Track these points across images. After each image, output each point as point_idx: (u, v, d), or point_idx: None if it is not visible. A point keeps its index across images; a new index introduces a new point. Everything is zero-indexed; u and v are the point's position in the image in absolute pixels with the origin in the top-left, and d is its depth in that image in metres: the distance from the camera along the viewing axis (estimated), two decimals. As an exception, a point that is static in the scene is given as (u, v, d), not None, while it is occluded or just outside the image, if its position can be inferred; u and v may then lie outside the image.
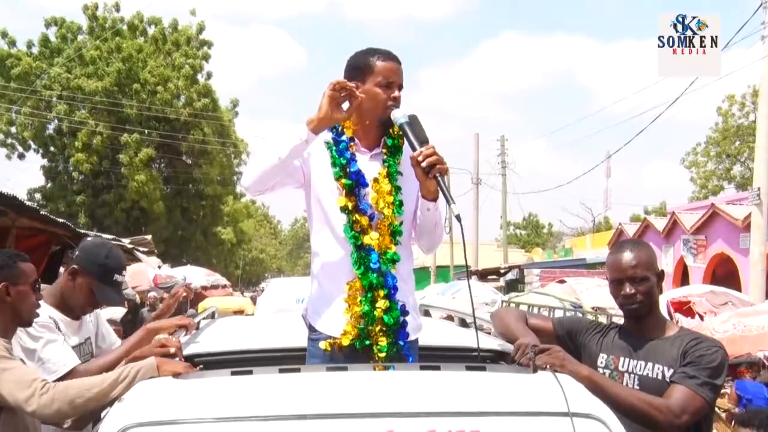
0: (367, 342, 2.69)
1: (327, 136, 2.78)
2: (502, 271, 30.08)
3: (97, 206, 35.92)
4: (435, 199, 2.67)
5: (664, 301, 12.42)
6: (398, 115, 2.69)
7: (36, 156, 37.57)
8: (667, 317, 10.41)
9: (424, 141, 2.63)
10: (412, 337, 2.79)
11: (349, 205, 2.71)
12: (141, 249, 13.80)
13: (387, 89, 2.73)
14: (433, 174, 2.59)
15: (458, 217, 2.60)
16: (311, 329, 2.81)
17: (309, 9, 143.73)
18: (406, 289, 2.81)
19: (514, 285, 26.71)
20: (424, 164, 2.58)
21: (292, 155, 2.68)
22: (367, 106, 2.73)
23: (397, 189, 2.77)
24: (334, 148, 2.77)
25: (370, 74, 2.73)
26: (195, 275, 25.63)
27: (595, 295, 13.73)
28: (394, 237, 2.74)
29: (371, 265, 2.68)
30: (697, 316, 11.22)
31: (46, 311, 3.16)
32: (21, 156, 36.87)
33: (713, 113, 37.55)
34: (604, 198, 52.44)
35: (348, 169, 2.74)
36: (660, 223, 21.77)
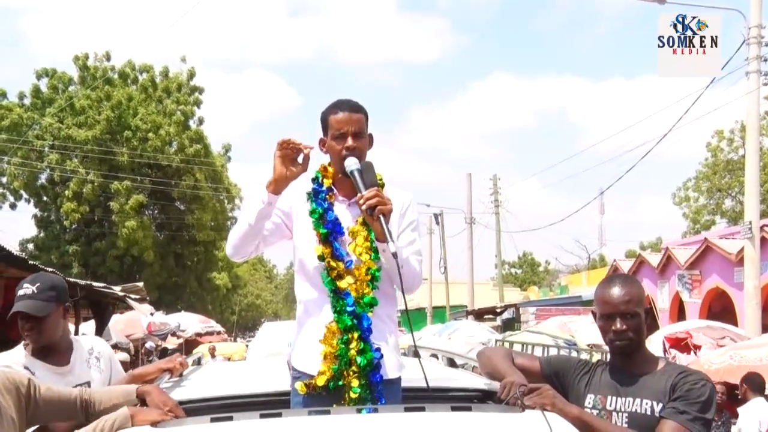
0: (341, 383, 2.74)
1: (308, 186, 2.92)
2: (498, 310, 29.97)
3: (90, 255, 35.80)
4: (385, 241, 2.69)
5: (660, 337, 12.35)
6: (350, 163, 2.80)
7: (28, 206, 37.57)
8: (662, 353, 10.33)
9: (371, 185, 2.74)
10: (392, 376, 2.83)
11: (326, 252, 2.81)
12: (133, 296, 13.72)
13: (341, 140, 2.84)
14: (375, 215, 2.66)
15: (395, 255, 2.68)
16: (294, 369, 2.87)
17: (300, 54, 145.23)
18: (385, 330, 2.87)
19: (511, 324, 26.57)
20: (364, 207, 2.67)
21: (260, 219, 2.82)
22: (331, 158, 2.90)
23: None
24: (313, 198, 2.90)
25: (328, 128, 2.90)
26: (189, 322, 25.54)
27: (590, 333, 13.63)
28: (371, 282, 2.81)
29: (347, 308, 2.76)
30: (692, 352, 11.14)
31: (25, 362, 3.16)
32: (12, 206, 36.82)
33: (703, 148, 37.81)
34: (599, 235, 52.66)
35: (325, 218, 2.85)
36: (655, 259, 21.71)
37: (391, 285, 2.92)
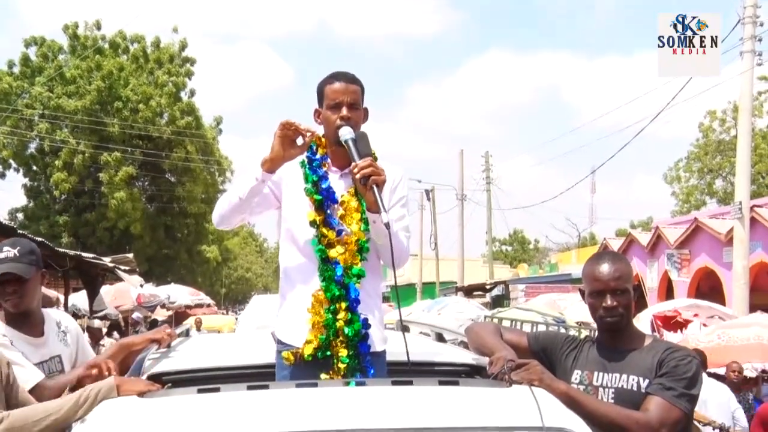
0: (328, 353, 2.73)
1: (301, 156, 2.89)
2: (487, 287, 30.09)
3: (79, 226, 35.66)
4: (377, 211, 2.68)
5: (648, 316, 12.42)
6: (344, 133, 2.78)
7: (18, 175, 37.32)
8: (649, 331, 10.44)
9: (365, 155, 2.72)
10: (378, 349, 2.84)
11: (318, 219, 2.80)
12: (122, 267, 13.71)
13: (336, 110, 2.83)
14: (369, 185, 2.65)
15: (387, 225, 2.64)
16: (279, 342, 2.86)
17: (298, 27, 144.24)
18: (371, 303, 2.87)
19: (500, 301, 26.70)
20: (358, 176, 2.65)
21: (251, 195, 2.83)
22: (325, 129, 2.89)
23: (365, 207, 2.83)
24: (307, 165, 2.88)
25: (324, 99, 2.90)
26: (179, 294, 25.54)
27: (579, 310, 13.69)
28: (360, 253, 2.81)
29: (335, 277, 2.75)
30: (679, 331, 11.22)
31: (2, 330, 3.13)
32: (1, 175, 36.55)
33: (695, 129, 37.83)
34: (589, 213, 52.84)
35: (319, 186, 2.84)
36: (644, 238, 21.80)
37: (377, 259, 2.92)
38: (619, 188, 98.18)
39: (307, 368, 2.70)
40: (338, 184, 2.88)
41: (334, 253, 2.77)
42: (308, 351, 2.73)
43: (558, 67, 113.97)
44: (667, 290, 20.46)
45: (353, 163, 2.69)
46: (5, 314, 3.25)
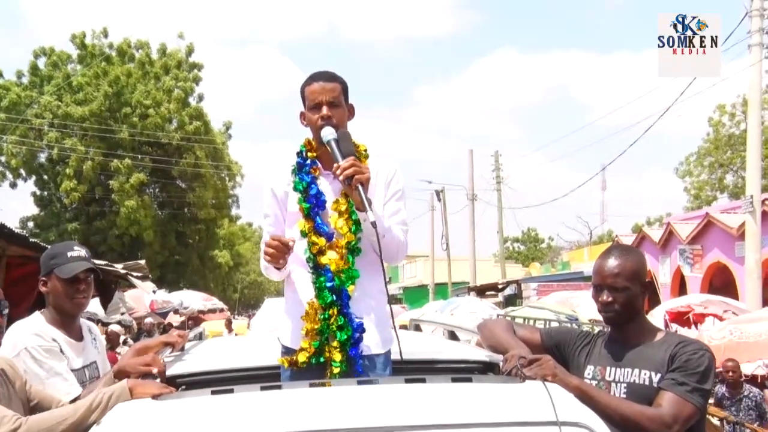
0: (322, 359, 2.74)
1: (293, 160, 2.91)
2: (500, 286, 30.03)
3: (90, 233, 35.77)
4: (364, 210, 2.66)
5: (662, 312, 12.37)
6: (326, 133, 2.78)
7: (28, 184, 37.53)
8: (662, 327, 10.40)
9: (348, 154, 2.71)
10: (380, 350, 2.83)
11: (307, 227, 2.80)
12: (135, 274, 13.71)
13: (316, 110, 2.83)
14: (354, 185, 2.64)
15: (373, 224, 2.64)
16: (282, 346, 2.90)
17: (308, 31, 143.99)
18: (369, 303, 2.84)
19: (513, 300, 26.65)
20: (341, 177, 2.65)
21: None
22: (311, 131, 2.88)
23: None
24: (297, 171, 2.88)
25: (305, 100, 2.90)
26: (192, 300, 25.56)
27: (592, 308, 13.65)
28: (351, 254, 2.79)
29: (326, 283, 2.74)
30: (693, 327, 11.18)
31: (50, 333, 3.11)
32: (13, 185, 36.75)
33: (705, 123, 37.66)
34: (601, 211, 52.72)
35: (308, 193, 2.82)
36: (656, 234, 21.75)
37: (377, 257, 2.87)
38: (631, 185, 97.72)
39: (305, 373, 2.71)
40: (330, 187, 2.86)
41: (324, 259, 2.76)
42: (302, 358, 2.74)
43: (568, 65, 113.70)
44: (680, 286, 20.38)
45: (335, 165, 2.69)
46: (50, 316, 3.22)
